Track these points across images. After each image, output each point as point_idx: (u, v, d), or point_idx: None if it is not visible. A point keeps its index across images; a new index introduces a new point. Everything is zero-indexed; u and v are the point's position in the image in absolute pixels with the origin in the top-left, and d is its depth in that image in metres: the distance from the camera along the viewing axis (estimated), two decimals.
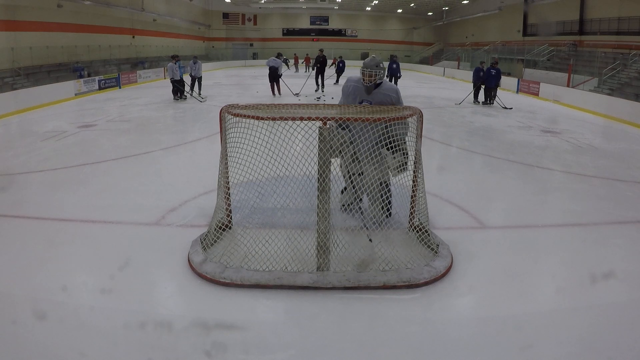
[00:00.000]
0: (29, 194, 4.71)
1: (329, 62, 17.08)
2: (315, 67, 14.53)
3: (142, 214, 4.04)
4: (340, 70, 16.59)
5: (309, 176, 3.14)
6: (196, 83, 13.04)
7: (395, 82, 14.08)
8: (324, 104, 4.16)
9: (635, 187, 5.29)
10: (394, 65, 14.27)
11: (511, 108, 11.73)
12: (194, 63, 12.83)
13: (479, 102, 12.58)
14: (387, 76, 14.05)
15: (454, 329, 2.55)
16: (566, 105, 13.16)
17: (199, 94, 13.05)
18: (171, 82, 12.28)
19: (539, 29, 22.19)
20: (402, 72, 14.86)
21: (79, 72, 15.56)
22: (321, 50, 14.55)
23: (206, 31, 34.34)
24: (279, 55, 13.35)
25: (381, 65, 3.60)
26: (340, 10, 36.07)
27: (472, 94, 12.90)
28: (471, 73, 13.61)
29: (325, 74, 14.68)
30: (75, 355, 2.31)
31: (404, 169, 3.44)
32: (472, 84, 13.06)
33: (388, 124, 3.18)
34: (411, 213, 3.56)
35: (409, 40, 37.17)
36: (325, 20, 37.17)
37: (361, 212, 3.80)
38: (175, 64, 11.98)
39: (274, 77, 12.92)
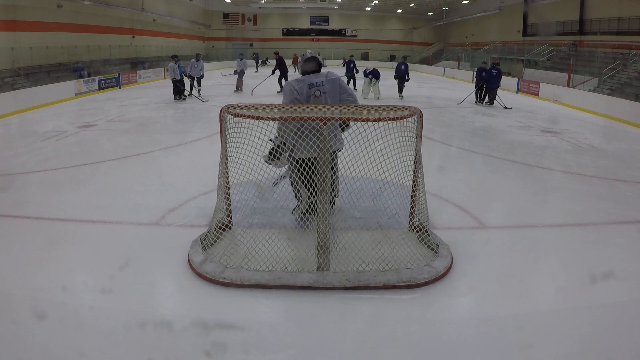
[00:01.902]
0: (29, 194, 4.71)
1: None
2: (275, 70, 14.64)
3: (142, 214, 4.04)
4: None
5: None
6: (195, 82, 13.02)
7: (402, 84, 13.55)
8: (324, 105, 4.15)
9: (635, 187, 5.29)
10: (402, 67, 13.30)
11: (511, 108, 11.74)
12: (197, 61, 12.81)
13: (481, 103, 12.57)
14: (395, 77, 13.50)
15: (454, 329, 2.55)
16: (566, 105, 13.16)
17: (199, 93, 13.05)
18: (172, 82, 12.28)
19: (539, 29, 22.19)
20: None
21: (79, 72, 15.55)
22: (276, 53, 14.77)
23: (206, 31, 34.34)
24: (242, 55, 15.07)
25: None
26: (340, 10, 36.07)
27: (473, 94, 12.89)
28: (471, 73, 13.51)
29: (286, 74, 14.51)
30: (75, 355, 2.31)
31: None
32: (473, 84, 13.00)
33: None
34: (411, 213, 3.56)
35: (409, 40, 37.17)
36: (325, 20, 37.17)
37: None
38: (176, 64, 11.98)
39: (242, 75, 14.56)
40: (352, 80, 14.97)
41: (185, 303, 2.84)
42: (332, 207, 3.66)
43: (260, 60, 28.12)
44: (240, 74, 14.39)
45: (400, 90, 13.67)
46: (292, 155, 3.33)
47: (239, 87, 14.40)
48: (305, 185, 3.19)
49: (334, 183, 3.39)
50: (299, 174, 3.26)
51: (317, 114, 2.93)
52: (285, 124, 3.25)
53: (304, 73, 3.62)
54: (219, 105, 4.14)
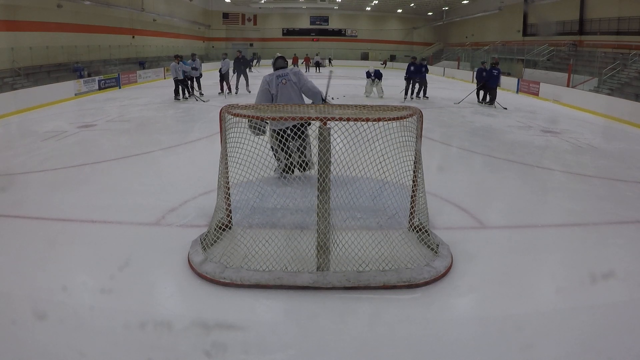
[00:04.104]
0: (29, 194, 4.71)
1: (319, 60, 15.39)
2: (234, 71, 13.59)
3: (142, 214, 4.04)
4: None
5: (309, 176, 3.14)
6: (195, 82, 13.00)
7: (425, 90, 13.04)
8: (323, 105, 4.16)
9: (635, 187, 5.29)
10: (423, 69, 12.63)
11: (506, 108, 11.77)
12: (193, 61, 12.75)
13: (482, 103, 12.58)
14: (415, 82, 12.93)
15: (454, 329, 2.55)
16: (566, 105, 13.15)
17: (200, 93, 13.03)
18: (174, 81, 12.27)
19: (539, 29, 22.19)
20: (400, 73, 13.58)
21: (79, 72, 15.55)
22: (239, 52, 13.82)
23: (206, 31, 34.34)
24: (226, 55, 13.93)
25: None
26: (340, 10, 36.06)
27: (474, 94, 12.90)
28: (471, 73, 13.44)
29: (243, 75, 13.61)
30: (75, 355, 2.31)
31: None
32: (473, 84, 12.98)
33: None
34: (411, 213, 3.56)
35: (409, 40, 37.16)
36: (325, 20, 37.17)
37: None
38: (178, 63, 11.97)
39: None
40: (423, 88, 13.16)
41: (185, 303, 2.84)
42: (302, 172, 4.55)
43: (253, 61, 26.86)
44: (225, 74, 13.31)
45: (424, 92, 13.11)
46: (270, 127, 4.16)
47: (229, 88, 13.51)
48: (283, 150, 4.15)
49: (304, 151, 4.29)
50: (277, 142, 4.04)
51: (317, 114, 2.93)
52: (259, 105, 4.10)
53: (275, 69, 4.71)
54: (219, 105, 4.14)
